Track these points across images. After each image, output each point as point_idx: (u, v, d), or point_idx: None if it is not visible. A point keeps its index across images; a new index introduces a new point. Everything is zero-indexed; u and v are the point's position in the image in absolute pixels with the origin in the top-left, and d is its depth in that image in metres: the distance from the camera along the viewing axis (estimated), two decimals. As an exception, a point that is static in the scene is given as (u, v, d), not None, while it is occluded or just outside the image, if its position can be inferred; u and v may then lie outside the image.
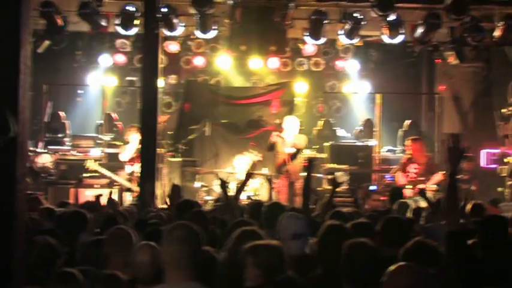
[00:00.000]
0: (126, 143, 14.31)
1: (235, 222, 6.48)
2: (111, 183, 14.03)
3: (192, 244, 4.13)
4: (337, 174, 13.08)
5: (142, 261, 4.61)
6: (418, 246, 4.96)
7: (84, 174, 14.50)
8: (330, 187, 8.37)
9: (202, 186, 15.01)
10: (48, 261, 4.64)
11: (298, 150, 13.66)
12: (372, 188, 14.37)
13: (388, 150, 17.58)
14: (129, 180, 13.66)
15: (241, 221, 6.54)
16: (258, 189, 14.26)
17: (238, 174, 14.55)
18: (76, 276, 4.34)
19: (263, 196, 13.66)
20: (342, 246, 5.00)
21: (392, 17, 14.09)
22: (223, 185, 8.42)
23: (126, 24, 14.30)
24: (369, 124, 17.77)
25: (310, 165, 8.33)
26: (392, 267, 3.93)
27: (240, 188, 8.60)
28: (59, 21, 14.18)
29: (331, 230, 5.46)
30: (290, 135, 13.96)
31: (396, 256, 5.02)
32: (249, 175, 8.55)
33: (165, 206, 9.65)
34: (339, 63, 18.38)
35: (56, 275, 4.43)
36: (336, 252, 5.05)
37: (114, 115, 17.71)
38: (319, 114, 17.62)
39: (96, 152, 16.47)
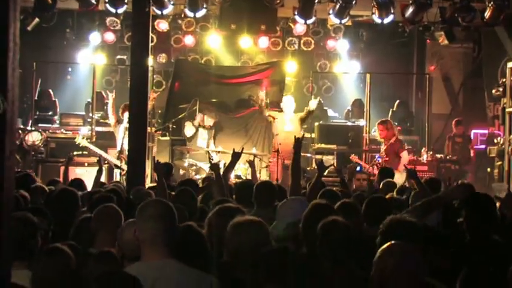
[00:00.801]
0: (120, 122, 14.38)
1: (218, 200, 6.46)
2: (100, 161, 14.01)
3: (166, 221, 4.11)
4: (325, 158, 13.15)
5: (128, 239, 4.62)
6: (395, 224, 4.98)
7: (75, 152, 14.49)
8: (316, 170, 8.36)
9: (191, 165, 15.02)
10: (25, 236, 4.64)
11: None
12: (358, 168, 14.42)
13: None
14: (119, 158, 13.66)
15: (224, 199, 6.51)
16: (246, 169, 14.27)
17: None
18: (65, 251, 4.34)
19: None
20: None
21: (382, -3, 14.08)
22: (215, 165, 8.45)
23: (116, 2, 14.22)
24: (358, 104, 17.79)
25: (299, 144, 8.34)
26: (383, 247, 3.96)
27: (229, 167, 8.60)
28: (49, -1, 14.10)
29: (316, 209, 5.46)
30: (288, 114, 14.17)
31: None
32: (238, 154, 8.55)
33: (154, 185, 9.66)
34: (329, 43, 18.37)
35: (45, 249, 4.43)
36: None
37: (104, 93, 17.68)
38: (309, 94, 17.62)
39: (86, 130, 16.45)
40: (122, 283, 3.48)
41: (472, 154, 16.33)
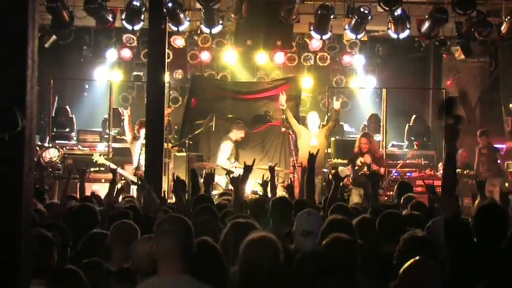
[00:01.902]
0: (137, 138, 14.47)
1: (235, 215, 6.45)
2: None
3: (183, 237, 4.12)
4: (340, 168, 13.23)
5: (141, 254, 4.63)
6: (411, 241, 4.96)
7: (92, 169, 14.56)
8: (332, 182, 8.36)
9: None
10: (42, 253, 4.65)
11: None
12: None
13: (394, 146, 17.58)
14: (135, 174, 13.71)
15: (240, 215, 6.49)
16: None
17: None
18: (79, 273, 4.35)
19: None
20: None
21: (398, 12, 14.06)
22: (235, 179, 8.44)
23: (133, 19, 14.31)
24: (375, 119, 17.76)
25: (313, 160, 8.34)
26: (408, 263, 3.99)
27: (242, 181, 8.53)
28: (66, 16, 14.19)
29: (334, 224, 5.45)
30: (313, 130, 14.67)
31: (394, 252, 5.02)
32: (249, 167, 8.52)
33: (171, 201, 9.67)
34: (345, 58, 18.36)
35: (58, 271, 4.44)
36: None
37: (120, 110, 17.76)
38: (325, 109, 17.61)
39: (102, 147, 16.52)
40: None
41: (501, 166, 16.01)
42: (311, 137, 14.47)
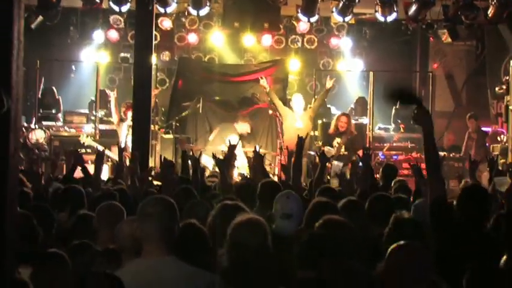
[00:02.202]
0: (123, 120, 14.49)
1: (221, 198, 6.43)
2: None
3: (167, 219, 4.12)
4: (326, 149, 13.21)
5: (125, 235, 4.64)
6: (401, 223, 4.98)
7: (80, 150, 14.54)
8: (318, 163, 8.37)
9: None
10: (28, 234, 4.66)
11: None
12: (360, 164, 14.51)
13: (381, 128, 17.63)
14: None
15: (228, 197, 6.47)
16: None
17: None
18: (63, 257, 4.35)
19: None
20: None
21: (386, -5, 14.07)
22: (220, 161, 8.41)
23: (120, 0, 14.24)
24: (362, 102, 17.79)
25: (301, 142, 8.34)
26: (393, 247, 3.99)
27: (227, 160, 8.49)
28: (52, -3, 14.12)
29: (318, 207, 5.45)
30: (298, 112, 14.59)
31: (382, 234, 5.04)
32: (233, 146, 8.49)
33: (157, 182, 9.66)
34: (332, 41, 18.35)
35: (43, 255, 4.44)
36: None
37: (107, 92, 17.71)
38: (312, 92, 17.60)
39: (89, 128, 16.49)
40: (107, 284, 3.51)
41: (488, 150, 16.02)
42: (296, 118, 14.42)
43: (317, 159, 9.42)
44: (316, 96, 16.21)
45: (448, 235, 5.02)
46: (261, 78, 14.87)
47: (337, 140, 14.15)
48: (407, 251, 3.97)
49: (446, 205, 5.14)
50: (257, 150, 9.64)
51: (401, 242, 4.04)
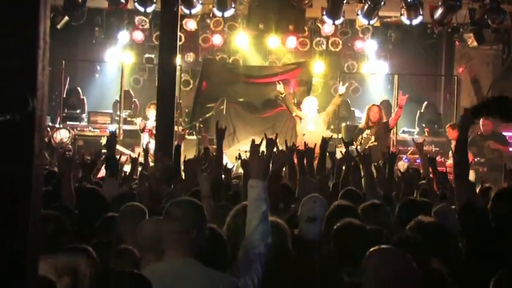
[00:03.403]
0: (146, 119, 14.58)
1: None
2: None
3: (190, 220, 4.09)
4: (351, 148, 12.95)
5: (146, 235, 4.61)
6: (420, 227, 4.95)
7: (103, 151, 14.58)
8: (344, 164, 8.29)
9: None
10: (52, 235, 4.66)
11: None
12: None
13: (405, 132, 17.54)
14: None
15: None
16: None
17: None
18: (89, 251, 4.35)
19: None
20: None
21: (412, -2, 14.00)
22: (245, 161, 8.39)
23: (145, 1, 14.30)
24: (386, 105, 17.70)
25: (325, 144, 8.30)
26: (369, 252, 3.92)
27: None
28: (78, -3, 14.19)
29: (338, 210, 5.42)
30: (310, 115, 14.16)
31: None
32: (257, 146, 8.36)
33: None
34: (357, 44, 18.31)
35: (67, 249, 4.43)
36: None
37: (131, 92, 17.80)
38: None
39: (113, 129, 16.54)
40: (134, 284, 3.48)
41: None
42: (308, 122, 14.21)
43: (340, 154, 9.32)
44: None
45: (480, 240, 4.95)
46: (278, 83, 14.68)
47: (367, 131, 13.79)
48: (380, 256, 3.88)
49: (477, 210, 5.08)
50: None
51: (376, 247, 3.96)
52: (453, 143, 14.28)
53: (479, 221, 5.01)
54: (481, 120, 14.73)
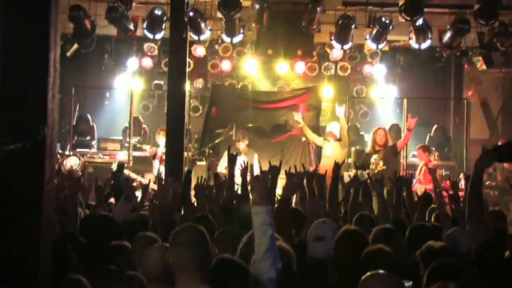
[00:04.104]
0: (156, 145, 14.63)
1: None
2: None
3: (200, 247, 4.07)
4: (359, 172, 12.94)
5: (154, 261, 4.56)
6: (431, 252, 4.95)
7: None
8: (352, 188, 8.28)
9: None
10: (60, 262, 4.64)
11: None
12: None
13: (415, 156, 17.48)
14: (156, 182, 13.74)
15: None
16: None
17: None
18: (82, 283, 4.30)
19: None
20: (357, 252, 5.02)
21: (420, 22, 13.99)
22: (232, 156, 8.44)
23: (154, 28, 14.34)
24: (395, 129, 17.67)
25: (338, 168, 8.29)
26: (364, 277, 3.95)
27: (273, 184, 8.40)
28: (88, 25, 14.24)
29: (347, 235, 5.43)
30: (330, 140, 14.42)
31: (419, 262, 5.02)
32: (276, 168, 8.25)
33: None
34: (366, 68, 18.33)
35: (67, 280, 4.40)
36: (351, 258, 5.06)
37: (140, 119, 17.85)
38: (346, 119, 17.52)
39: (123, 155, 16.57)
40: None
41: None
42: (327, 147, 14.34)
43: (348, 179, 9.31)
44: (349, 123, 16.12)
45: (497, 278, 4.91)
46: (296, 114, 14.74)
47: (374, 156, 13.73)
48: (377, 279, 3.94)
49: (492, 250, 5.06)
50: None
51: (373, 272, 3.99)
52: (423, 167, 14.24)
53: (495, 261, 4.98)
54: None
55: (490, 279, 4.86)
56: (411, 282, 4.50)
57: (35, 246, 2.50)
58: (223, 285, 4.23)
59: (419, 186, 13.93)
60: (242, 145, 15.17)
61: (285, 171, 8.14)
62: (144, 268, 4.64)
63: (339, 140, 14.22)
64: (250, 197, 8.62)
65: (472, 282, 4.59)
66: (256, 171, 10.36)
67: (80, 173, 15.51)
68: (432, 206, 9.12)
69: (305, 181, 8.28)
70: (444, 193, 9.02)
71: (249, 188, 8.72)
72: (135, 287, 4.51)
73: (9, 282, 2.37)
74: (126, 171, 14.28)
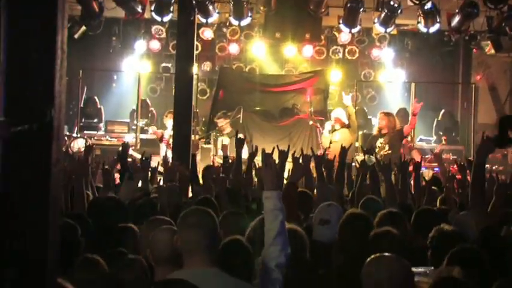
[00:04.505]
0: (164, 128, 14.67)
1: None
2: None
3: (209, 229, 4.08)
4: (366, 157, 12.92)
5: (162, 243, 4.56)
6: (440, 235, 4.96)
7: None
8: (359, 171, 8.28)
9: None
10: (68, 244, 4.65)
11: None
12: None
13: (423, 140, 17.47)
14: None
15: None
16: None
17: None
18: (100, 263, 4.34)
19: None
20: (362, 236, 5.02)
21: (428, 6, 13.94)
22: (240, 140, 8.46)
23: (162, 10, 14.33)
24: (403, 113, 17.64)
25: (345, 153, 8.29)
26: (369, 259, 3.94)
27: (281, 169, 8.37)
28: (96, 7, 14.23)
29: (352, 218, 5.44)
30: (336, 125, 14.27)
31: (427, 246, 5.03)
32: (285, 153, 8.23)
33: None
34: (374, 52, 18.28)
35: (78, 261, 4.42)
36: (356, 242, 5.06)
37: (148, 101, 17.86)
38: (353, 103, 17.51)
39: (130, 138, 16.59)
40: None
41: None
42: (335, 132, 14.24)
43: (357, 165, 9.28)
44: (357, 107, 16.08)
45: (502, 261, 4.92)
46: (346, 97, 14.30)
47: (380, 140, 13.68)
48: (379, 262, 3.92)
49: (495, 234, 5.07)
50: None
51: (378, 254, 3.98)
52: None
53: (500, 245, 4.98)
54: None
55: (494, 263, 4.87)
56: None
57: (45, 227, 2.51)
58: (232, 266, 4.25)
59: (427, 171, 13.93)
60: (223, 122, 15.24)
61: (292, 155, 8.16)
62: (152, 251, 4.64)
63: (348, 126, 14.13)
64: (255, 179, 8.67)
65: (488, 268, 4.59)
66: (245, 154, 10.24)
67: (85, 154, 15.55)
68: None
69: (313, 164, 8.29)
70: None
71: (253, 172, 8.76)
72: (138, 270, 4.52)
73: (19, 255, 2.39)
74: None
